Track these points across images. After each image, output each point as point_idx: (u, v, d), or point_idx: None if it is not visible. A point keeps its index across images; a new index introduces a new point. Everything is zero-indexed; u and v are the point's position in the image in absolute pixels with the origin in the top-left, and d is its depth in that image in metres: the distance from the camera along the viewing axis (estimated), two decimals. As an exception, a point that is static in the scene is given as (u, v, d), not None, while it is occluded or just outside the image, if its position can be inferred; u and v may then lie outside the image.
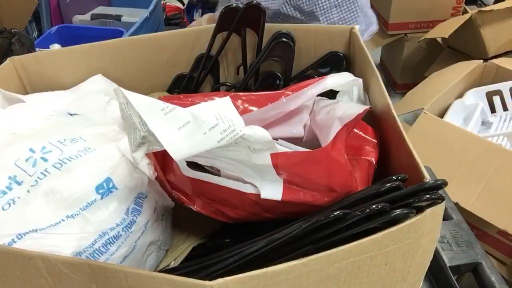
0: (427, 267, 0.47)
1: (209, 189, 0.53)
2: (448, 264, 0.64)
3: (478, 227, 1.07)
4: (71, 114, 0.61)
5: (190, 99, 0.66)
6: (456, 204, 0.97)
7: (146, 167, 0.51)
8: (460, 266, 0.65)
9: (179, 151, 0.44)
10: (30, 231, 0.46)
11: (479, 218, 1.04)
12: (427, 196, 0.40)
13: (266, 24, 0.78)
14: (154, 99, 0.46)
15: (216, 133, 0.44)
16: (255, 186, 0.50)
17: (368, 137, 0.59)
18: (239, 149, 0.47)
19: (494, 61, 1.48)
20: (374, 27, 1.18)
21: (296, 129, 0.66)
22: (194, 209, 0.55)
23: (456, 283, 0.62)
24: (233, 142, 0.44)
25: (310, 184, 0.50)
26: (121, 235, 0.50)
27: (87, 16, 1.89)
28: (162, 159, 0.56)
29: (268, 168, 0.49)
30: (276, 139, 0.64)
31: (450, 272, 0.63)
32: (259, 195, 0.50)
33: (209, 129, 0.44)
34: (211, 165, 0.53)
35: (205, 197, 0.55)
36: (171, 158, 0.46)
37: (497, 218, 1.04)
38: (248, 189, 0.51)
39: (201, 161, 0.52)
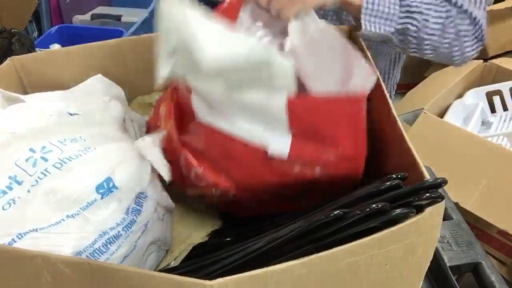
0: (427, 267, 0.47)
1: (220, 143, 0.53)
2: (448, 264, 0.64)
3: (478, 227, 1.07)
4: (71, 114, 0.61)
5: None
6: (456, 204, 0.97)
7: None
8: (460, 266, 0.65)
9: (213, 57, 0.46)
10: (31, 230, 0.46)
11: (479, 218, 1.05)
12: (427, 194, 0.40)
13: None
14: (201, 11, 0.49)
15: (248, 43, 0.48)
16: (263, 142, 0.51)
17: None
18: (261, 86, 0.49)
19: (494, 61, 1.48)
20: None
21: None
22: (200, 173, 0.55)
23: (456, 283, 0.62)
24: (258, 63, 0.47)
25: (322, 137, 0.50)
26: (121, 234, 0.50)
27: (87, 16, 1.89)
28: (180, 114, 0.57)
29: (281, 116, 0.49)
30: None
31: (450, 272, 0.63)
32: (269, 150, 0.50)
33: (242, 40, 0.49)
34: (225, 119, 0.53)
35: (215, 153, 0.54)
36: (188, 112, 0.52)
37: (497, 218, 1.04)
38: (258, 142, 0.51)
39: (219, 114, 0.53)
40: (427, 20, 0.72)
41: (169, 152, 0.57)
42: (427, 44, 0.75)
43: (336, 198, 0.57)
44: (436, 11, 0.73)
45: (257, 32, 0.63)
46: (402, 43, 0.75)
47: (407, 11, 0.71)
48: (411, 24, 0.72)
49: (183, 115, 0.58)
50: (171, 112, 0.59)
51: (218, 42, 0.48)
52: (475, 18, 0.75)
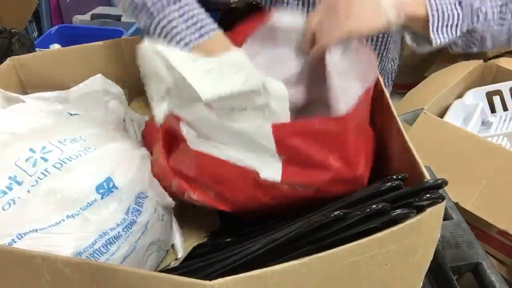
0: (427, 267, 0.47)
1: (212, 168, 0.53)
2: (448, 264, 0.64)
3: (478, 227, 1.07)
4: (71, 114, 0.61)
5: None
6: (456, 204, 0.97)
7: None
8: (460, 266, 0.65)
9: (207, 91, 0.47)
10: (31, 231, 0.46)
11: (479, 218, 1.04)
12: (428, 195, 0.40)
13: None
14: (182, 52, 0.51)
15: (240, 76, 0.48)
16: (256, 169, 0.51)
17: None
18: (252, 114, 0.49)
19: (494, 61, 1.48)
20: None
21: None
22: (194, 198, 0.55)
23: (456, 283, 0.62)
24: (254, 90, 0.47)
25: (312, 162, 0.49)
26: (121, 235, 0.50)
27: (87, 16, 1.89)
28: (169, 145, 0.57)
29: (269, 145, 0.49)
30: None
31: (450, 272, 0.63)
32: (259, 176, 0.50)
33: (234, 72, 0.49)
34: (215, 146, 0.53)
35: (207, 178, 0.54)
36: (177, 143, 0.51)
37: (497, 218, 1.03)
38: (251, 167, 0.51)
39: (209, 142, 0.53)
40: (486, 14, 0.70)
41: (161, 178, 0.57)
42: (490, 37, 0.73)
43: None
44: (491, 1, 0.70)
45: (259, 61, 0.62)
46: (466, 44, 0.73)
47: (471, 11, 0.68)
48: (477, 21, 0.69)
49: (172, 144, 0.58)
50: (159, 137, 0.59)
51: (208, 78, 0.49)
52: None
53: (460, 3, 0.68)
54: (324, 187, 0.50)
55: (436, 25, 0.67)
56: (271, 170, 0.50)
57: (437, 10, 0.66)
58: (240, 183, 0.52)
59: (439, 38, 0.68)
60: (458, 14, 0.68)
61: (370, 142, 0.56)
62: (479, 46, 0.74)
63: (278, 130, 0.49)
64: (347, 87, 0.53)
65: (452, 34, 0.69)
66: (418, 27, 0.68)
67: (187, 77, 0.48)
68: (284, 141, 0.49)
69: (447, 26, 0.68)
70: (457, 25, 0.68)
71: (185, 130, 0.54)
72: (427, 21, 0.66)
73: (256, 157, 0.50)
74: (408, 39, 0.73)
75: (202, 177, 0.54)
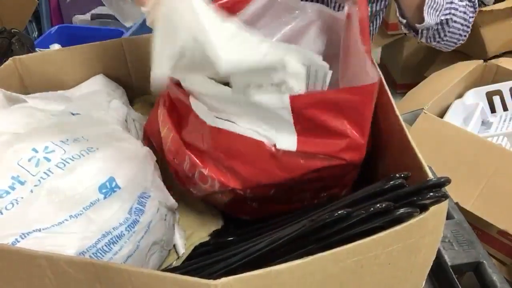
0: (430, 266, 0.47)
1: (225, 141, 0.53)
2: (449, 264, 0.64)
3: (478, 227, 1.07)
4: (73, 114, 0.61)
5: None
6: (456, 204, 0.97)
7: None
8: (462, 266, 0.65)
9: (226, 63, 0.45)
10: (34, 230, 0.46)
11: (479, 218, 1.05)
12: (431, 194, 0.40)
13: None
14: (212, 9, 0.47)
15: (263, 48, 0.47)
16: (271, 140, 0.51)
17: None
18: (268, 89, 0.49)
19: (494, 61, 1.48)
20: None
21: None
22: (206, 174, 0.55)
23: (457, 282, 0.62)
24: (273, 66, 0.47)
25: (329, 131, 0.50)
26: (124, 234, 0.50)
27: (87, 16, 1.89)
28: (177, 118, 0.57)
29: (286, 115, 0.49)
30: None
31: (452, 272, 0.63)
32: (275, 147, 0.50)
33: (256, 43, 0.48)
34: (228, 119, 0.53)
35: (220, 152, 0.54)
36: (187, 115, 0.51)
37: (497, 218, 1.04)
38: (265, 140, 0.51)
39: (221, 115, 0.53)
40: (458, 14, 0.78)
41: (176, 154, 0.57)
42: (456, 37, 0.82)
43: (336, 191, 0.57)
44: (462, 5, 0.79)
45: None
46: (434, 35, 0.80)
47: (451, 2, 0.76)
48: (453, 14, 0.77)
49: (181, 119, 0.58)
50: (166, 116, 0.59)
51: (233, 44, 0.46)
52: (475, 8, 0.82)
53: None
54: (332, 158, 0.51)
55: (428, 5, 0.73)
56: (287, 140, 0.50)
57: None
58: (254, 156, 0.52)
59: (428, 19, 0.74)
60: (442, 2, 0.75)
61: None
62: (444, 44, 0.83)
63: (296, 100, 0.49)
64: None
65: (434, 19, 0.76)
66: (410, 6, 0.75)
67: (212, 40, 0.44)
68: (302, 111, 0.49)
69: (435, 9, 0.75)
70: (439, 11, 0.76)
71: (194, 104, 0.54)
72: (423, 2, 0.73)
73: (272, 128, 0.51)
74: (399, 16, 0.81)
75: (215, 151, 0.54)
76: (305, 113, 0.50)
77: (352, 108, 0.51)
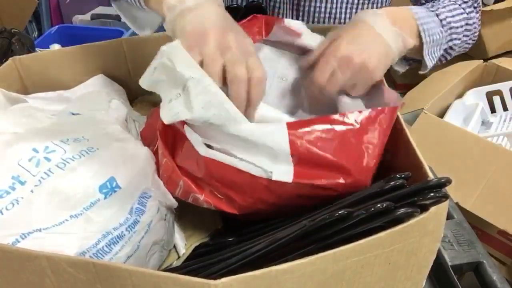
0: (430, 266, 0.47)
1: (220, 172, 0.52)
2: (449, 263, 0.64)
3: (478, 227, 1.07)
4: (73, 114, 0.61)
5: None
6: (456, 204, 0.97)
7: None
8: (462, 265, 0.65)
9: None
10: (34, 230, 0.46)
11: (479, 218, 1.04)
12: (431, 194, 0.40)
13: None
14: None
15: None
16: (266, 171, 0.50)
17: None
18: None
19: (494, 61, 1.48)
20: None
21: None
22: (201, 200, 0.55)
23: (457, 282, 0.62)
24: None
25: (327, 164, 0.50)
26: (124, 234, 0.49)
27: (87, 16, 1.89)
28: (172, 143, 0.56)
29: (283, 149, 0.49)
30: None
31: (452, 272, 0.63)
32: (271, 179, 0.50)
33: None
34: (223, 149, 0.53)
35: (215, 181, 0.54)
36: (181, 141, 0.51)
37: (497, 218, 1.04)
38: (259, 172, 0.51)
39: (215, 144, 0.53)
40: (460, 33, 0.77)
41: (167, 178, 0.57)
42: (465, 46, 0.82)
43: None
44: (460, 19, 0.77)
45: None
46: (441, 60, 0.81)
47: (450, 28, 0.75)
48: (456, 39, 0.77)
49: (176, 144, 0.58)
50: (160, 142, 0.58)
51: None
52: (477, 5, 0.81)
53: (443, 26, 0.73)
54: (336, 187, 0.50)
55: (428, 49, 0.71)
56: (283, 171, 0.50)
57: (429, 35, 0.70)
58: (250, 187, 0.52)
59: (430, 61, 0.73)
60: (442, 35, 0.73)
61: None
62: (450, 57, 0.82)
63: (294, 133, 0.49)
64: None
65: (438, 54, 0.75)
66: (410, 53, 0.72)
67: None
68: (299, 142, 0.49)
69: (435, 47, 0.73)
70: (441, 45, 0.74)
71: (190, 133, 0.54)
72: (421, 48, 0.70)
73: (267, 159, 0.50)
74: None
75: (211, 180, 0.54)
76: (303, 143, 0.49)
77: (355, 143, 0.51)
